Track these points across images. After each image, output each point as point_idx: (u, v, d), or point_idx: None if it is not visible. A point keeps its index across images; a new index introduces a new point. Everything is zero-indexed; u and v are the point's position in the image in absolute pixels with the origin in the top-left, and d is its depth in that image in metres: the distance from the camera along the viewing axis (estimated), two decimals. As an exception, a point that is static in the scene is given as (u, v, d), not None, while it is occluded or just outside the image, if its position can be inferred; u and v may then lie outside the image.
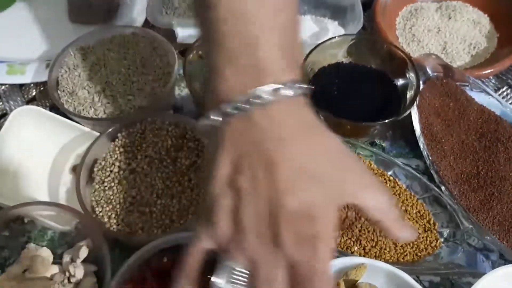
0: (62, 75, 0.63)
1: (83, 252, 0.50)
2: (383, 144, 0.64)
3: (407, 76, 0.61)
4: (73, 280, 0.50)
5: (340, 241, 0.52)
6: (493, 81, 0.70)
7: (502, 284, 0.48)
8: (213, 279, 0.37)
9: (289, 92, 0.34)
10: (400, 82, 0.62)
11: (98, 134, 0.57)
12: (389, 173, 0.58)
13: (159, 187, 0.53)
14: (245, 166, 0.34)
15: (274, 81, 0.34)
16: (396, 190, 0.56)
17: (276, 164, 0.33)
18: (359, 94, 0.62)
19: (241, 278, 0.36)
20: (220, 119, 0.35)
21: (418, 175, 0.58)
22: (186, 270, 0.38)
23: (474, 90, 0.64)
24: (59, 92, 0.62)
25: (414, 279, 0.52)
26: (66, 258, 0.51)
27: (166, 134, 0.56)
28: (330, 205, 0.34)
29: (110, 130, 0.56)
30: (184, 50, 0.70)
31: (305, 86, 0.36)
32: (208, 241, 0.37)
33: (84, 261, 0.51)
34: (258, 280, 0.34)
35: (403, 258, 0.52)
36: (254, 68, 0.35)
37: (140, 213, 0.52)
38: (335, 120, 0.55)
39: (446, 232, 0.54)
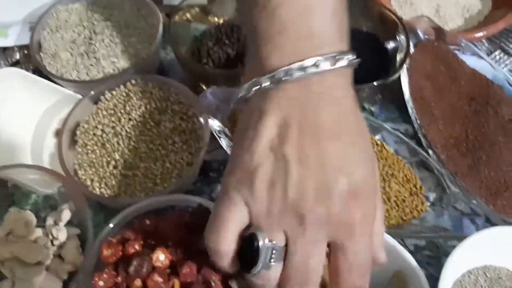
0: (44, 37, 0.62)
1: (66, 215, 0.50)
2: (372, 109, 0.63)
3: (398, 39, 0.60)
4: (56, 243, 0.50)
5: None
6: (486, 44, 0.68)
7: (485, 247, 0.47)
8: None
9: (343, 63, 0.33)
10: (391, 45, 0.61)
11: (81, 97, 0.56)
12: (377, 137, 0.58)
13: (143, 150, 0.52)
14: (293, 133, 0.32)
15: (330, 51, 0.33)
16: (383, 154, 0.56)
17: (328, 138, 0.32)
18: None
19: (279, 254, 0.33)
20: (272, 85, 0.33)
21: (406, 139, 0.57)
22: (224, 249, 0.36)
23: (466, 53, 0.63)
24: (41, 54, 0.61)
25: (399, 242, 0.52)
26: (49, 221, 0.51)
27: (150, 97, 0.55)
28: (375, 191, 0.34)
29: (93, 92, 0.55)
30: (170, 12, 0.68)
31: (355, 57, 0.35)
32: (242, 208, 0.34)
33: (67, 224, 0.51)
34: (293, 260, 0.33)
35: (388, 222, 0.52)
36: (309, 37, 0.33)
37: (123, 176, 0.51)
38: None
39: (432, 196, 0.54)
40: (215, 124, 0.54)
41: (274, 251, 0.33)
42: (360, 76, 0.58)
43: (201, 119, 0.53)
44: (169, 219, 0.47)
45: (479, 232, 0.47)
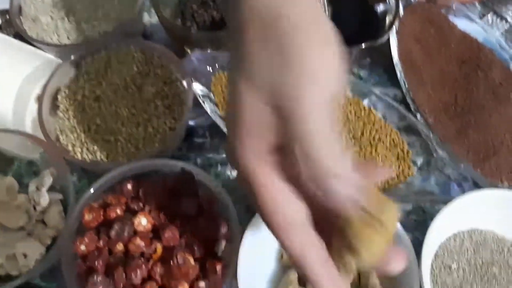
0: (24, 1, 0.60)
1: (47, 180, 0.49)
2: (361, 73, 0.61)
3: (387, 1, 0.59)
4: (38, 208, 0.49)
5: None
6: (479, 7, 0.66)
7: (471, 210, 0.47)
8: None
9: None
10: (380, 7, 0.60)
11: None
12: (365, 101, 0.57)
13: (124, 114, 0.51)
14: None
15: None
16: (371, 119, 0.55)
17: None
18: (336, 18, 0.59)
19: None
20: None
21: (394, 104, 0.56)
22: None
23: (457, 16, 0.62)
24: (21, 18, 0.59)
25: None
26: (32, 187, 0.50)
27: (132, 61, 0.53)
28: None
29: (74, 57, 0.54)
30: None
31: None
32: None
33: (50, 190, 0.51)
34: None
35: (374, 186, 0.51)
36: None
37: (105, 141, 0.50)
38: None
39: (420, 160, 0.53)
40: (198, 88, 0.53)
41: None
42: (349, 38, 0.57)
43: (185, 83, 0.52)
44: (152, 184, 0.47)
45: (464, 195, 0.46)
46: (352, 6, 0.60)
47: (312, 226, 0.28)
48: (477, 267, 0.46)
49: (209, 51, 0.55)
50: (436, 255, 0.47)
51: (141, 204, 0.46)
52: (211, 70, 0.55)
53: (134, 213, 0.45)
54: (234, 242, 0.44)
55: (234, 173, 0.54)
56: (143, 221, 0.44)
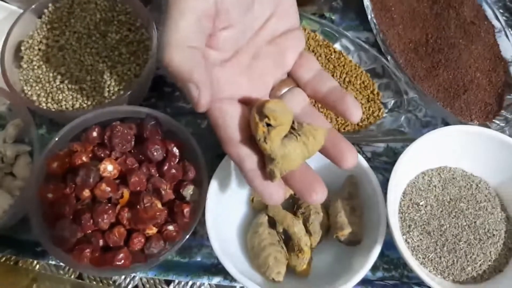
0: (-17, -50, 0.58)
1: (12, 132, 0.49)
2: (333, 17, 0.60)
3: None
4: (6, 160, 0.49)
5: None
6: None
7: (439, 146, 0.47)
8: None
9: None
10: None
11: (25, 12, 0.53)
12: (336, 45, 0.56)
13: (89, 63, 0.50)
14: None
15: None
16: (341, 62, 0.54)
17: None
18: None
19: None
20: None
21: (366, 46, 0.55)
22: None
23: (430, -46, 0.60)
24: (-19, -32, 0.57)
25: (356, 150, 0.52)
26: (-2, 139, 0.50)
27: (95, 8, 0.52)
28: None
29: (35, 5, 0.52)
30: None
31: None
32: None
33: (18, 142, 0.50)
34: None
35: (344, 129, 0.51)
36: None
37: (70, 90, 0.49)
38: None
39: (391, 102, 0.53)
40: (164, 34, 0.52)
41: None
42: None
43: (149, 29, 0.51)
44: (118, 131, 0.46)
45: (431, 132, 0.46)
46: None
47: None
48: (444, 203, 0.47)
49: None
50: (404, 193, 0.47)
51: (107, 151, 0.45)
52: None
53: (101, 160, 0.45)
54: (202, 186, 0.44)
55: (205, 122, 0.54)
56: (109, 167, 0.44)
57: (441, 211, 0.46)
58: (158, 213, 0.43)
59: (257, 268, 0.44)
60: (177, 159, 0.46)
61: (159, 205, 0.43)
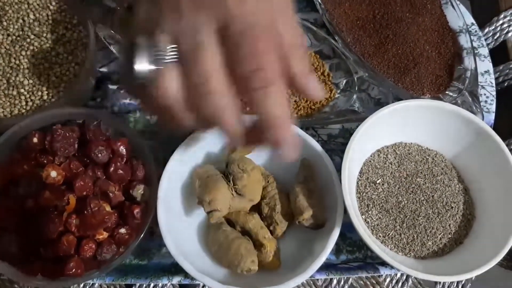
0: None
1: None
2: None
3: None
4: None
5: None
6: None
7: (393, 122, 0.46)
8: (136, 67, 0.32)
9: None
10: None
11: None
12: (283, 28, 0.54)
13: (25, 66, 0.47)
14: None
15: None
16: (290, 45, 0.53)
17: None
18: None
19: (165, 55, 0.32)
20: None
21: (314, 27, 0.54)
22: None
23: None
24: None
25: (310, 133, 0.51)
26: None
27: (28, 8, 0.49)
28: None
29: (-37, 10, 0.50)
30: None
31: None
32: None
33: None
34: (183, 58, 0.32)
35: (297, 113, 0.50)
36: None
37: (8, 96, 0.47)
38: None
39: (342, 82, 0.52)
40: (104, 30, 0.50)
41: (156, 51, 0.32)
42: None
43: (86, 26, 0.48)
44: (59, 134, 0.44)
45: (383, 109, 0.45)
46: None
47: None
48: (401, 179, 0.46)
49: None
50: (361, 172, 0.47)
51: (50, 157, 0.43)
52: (117, 9, 0.51)
53: (44, 166, 0.43)
54: (153, 185, 0.43)
55: (154, 118, 0.52)
56: (52, 174, 0.42)
57: (399, 188, 0.46)
58: (107, 217, 0.41)
59: (229, 263, 0.42)
60: (124, 159, 0.44)
61: (108, 209, 0.42)
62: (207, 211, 0.42)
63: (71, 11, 0.50)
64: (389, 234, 0.44)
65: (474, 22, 0.56)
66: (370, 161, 0.47)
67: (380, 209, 0.45)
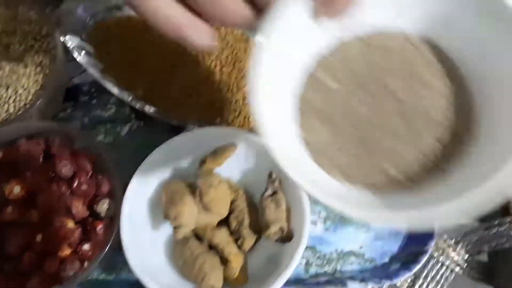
0: None
1: None
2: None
3: None
4: None
5: (201, 115, 0.49)
6: None
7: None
8: None
9: None
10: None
11: None
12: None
13: (-8, 78, 0.47)
14: None
15: None
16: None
17: None
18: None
19: None
20: None
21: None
22: None
23: None
24: None
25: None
26: None
27: (-4, 19, 0.49)
28: None
29: None
30: None
31: None
32: None
33: None
34: None
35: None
36: None
37: (-26, 109, 0.46)
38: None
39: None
40: (73, 41, 0.49)
41: None
42: None
43: (56, 37, 0.48)
44: (24, 149, 0.44)
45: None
46: None
47: None
48: (366, 81, 0.32)
49: (84, 0, 0.51)
50: (310, 74, 0.33)
51: (14, 171, 0.43)
52: (87, 21, 0.51)
53: (7, 180, 0.42)
54: (117, 200, 0.42)
55: (125, 129, 0.52)
56: (15, 189, 0.42)
57: (361, 94, 0.32)
58: (70, 233, 0.41)
59: (194, 280, 0.42)
60: (89, 174, 0.44)
61: (71, 224, 0.41)
62: (173, 226, 0.42)
63: (40, 22, 0.49)
64: (339, 160, 0.31)
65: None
66: (326, 59, 0.33)
67: (330, 125, 0.32)
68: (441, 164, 0.31)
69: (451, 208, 0.28)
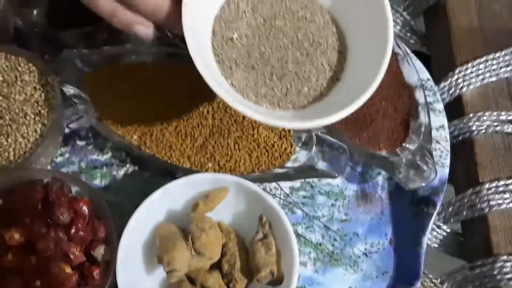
0: None
1: None
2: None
3: None
4: None
5: (194, 159, 0.51)
6: None
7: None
8: None
9: None
10: None
11: None
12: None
13: (-7, 127, 0.49)
14: None
15: None
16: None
17: None
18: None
19: None
20: None
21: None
22: None
23: None
24: None
25: (273, 186, 0.53)
26: None
27: (-3, 69, 0.51)
28: None
29: None
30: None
31: None
32: None
33: None
34: None
35: (258, 168, 0.52)
36: None
37: (-26, 157, 0.48)
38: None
39: (303, 136, 0.54)
40: (70, 89, 0.51)
41: None
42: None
43: (55, 87, 0.50)
44: (23, 195, 0.45)
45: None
46: None
47: None
48: (259, 27, 0.42)
49: (81, 50, 0.53)
50: (213, 32, 0.42)
51: (13, 218, 0.45)
52: (83, 70, 0.53)
53: (7, 228, 0.44)
54: (113, 245, 0.44)
55: (120, 172, 0.53)
56: (15, 236, 0.43)
57: (259, 38, 0.41)
58: (67, 279, 0.42)
59: None
60: (87, 219, 0.45)
61: (68, 270, 0.43)
62: (166, 270, 0.44)
63: (40, 71, 0.52)
64: (261, 92, 0.41)
65: (430, 77, 0.58)
66: (221, 16, 0.42)
67: (244, 67, 0.41)
68: (337, 75, 0.42)
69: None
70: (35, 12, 0.56)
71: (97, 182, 0.53)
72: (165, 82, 0.54)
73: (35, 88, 0.51)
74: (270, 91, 0.41)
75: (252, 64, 0.41)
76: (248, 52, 0.41)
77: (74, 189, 0.48)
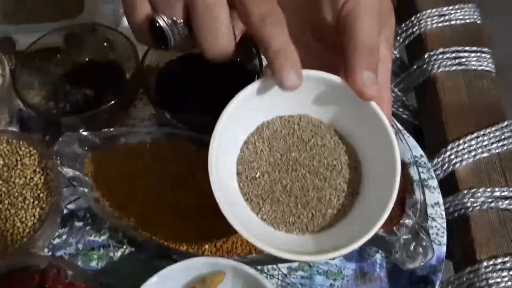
0: None
1: None
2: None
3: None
4: None
5: (191, 241, 0.51)
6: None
7: (244, 108, 0.43)
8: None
9: None
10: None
11: None
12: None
13: (-8, 212, 0.49)
14: None
15: None
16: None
17: None
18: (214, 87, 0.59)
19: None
20: None
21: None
22: None
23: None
24: None
25: (272, 267, 0.53)
26: None
27: (-2, 154, 0.52)
28: None
29: None
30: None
31: None
32: None
33: None
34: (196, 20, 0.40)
35: (255, 250, 0.52)
36: None
37: (-28, 242, 0.48)
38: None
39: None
40: (69, 172, 0.52)
41: (179, 26, 0.42)
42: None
43: (54, 170, 0.51)
44: (19, 283, 0.45)
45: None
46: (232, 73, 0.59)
47: None
48: (277, 162, 0.44)
49: (81, 132, 0.55)
50: (238, 174, 0.44)
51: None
52: (83, 152, 0.54)
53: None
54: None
55: (117, 254, 0.53)
56: (10, 325, 0.43)
57: (279, 172, 0.44)
58: None
59: None
60: (82, 305, 0.45)
61: None
62: None
63: (40, 155, 0.53)
64: (289, 221, 0.43)
65: (423, 154, 0.59)
66: (241, 158, 0.45)
67: (271, 201, 0.43)
68: (355, 191, 0.43)
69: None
70: (37, 96, 0.58)
71: (93, 264, 0.53)
72: (163, 162, 0.55)
73: (35, 171, 0.52)
74: (298, 219, 0.43)
75: (277, 198, 0.43)
76: (272, 187, 0.44)
77: (70, 273, 0.48)
